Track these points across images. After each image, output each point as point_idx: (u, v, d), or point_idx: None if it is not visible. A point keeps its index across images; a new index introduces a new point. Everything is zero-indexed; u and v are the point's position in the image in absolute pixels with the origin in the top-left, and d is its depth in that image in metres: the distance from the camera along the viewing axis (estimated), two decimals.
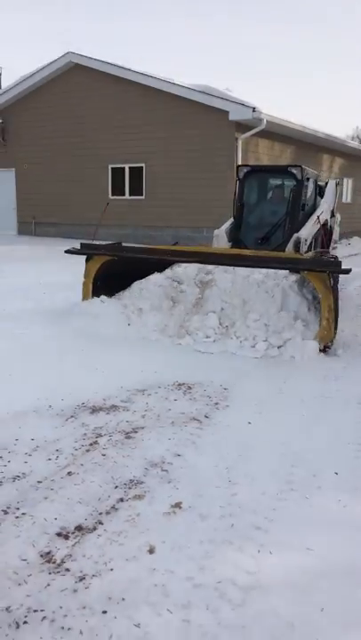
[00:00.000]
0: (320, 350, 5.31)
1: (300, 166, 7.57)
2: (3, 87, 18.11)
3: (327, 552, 2.43)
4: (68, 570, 2.21)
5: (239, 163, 12.30)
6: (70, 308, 6.43)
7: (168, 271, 6.45)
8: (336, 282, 5.48)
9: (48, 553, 2.31)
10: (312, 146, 16.84)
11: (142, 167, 14.98)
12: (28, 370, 4.63)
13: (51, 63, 15.71)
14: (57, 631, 1.92)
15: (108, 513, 2.61)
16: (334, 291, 5.39)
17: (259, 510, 2.69)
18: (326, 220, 8.40)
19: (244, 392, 4.35)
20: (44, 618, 1.98)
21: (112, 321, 5.92)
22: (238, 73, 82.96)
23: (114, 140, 15.14)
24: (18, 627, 1.93)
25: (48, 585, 2.13)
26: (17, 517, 2.54)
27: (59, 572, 2.20)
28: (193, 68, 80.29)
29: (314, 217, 7.45)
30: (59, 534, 2.44)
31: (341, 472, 3.11)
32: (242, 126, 13.24)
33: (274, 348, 5.35)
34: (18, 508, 2.61)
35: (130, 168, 15.21)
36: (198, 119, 13.64)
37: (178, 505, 2.70)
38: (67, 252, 6.46)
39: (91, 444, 3.30)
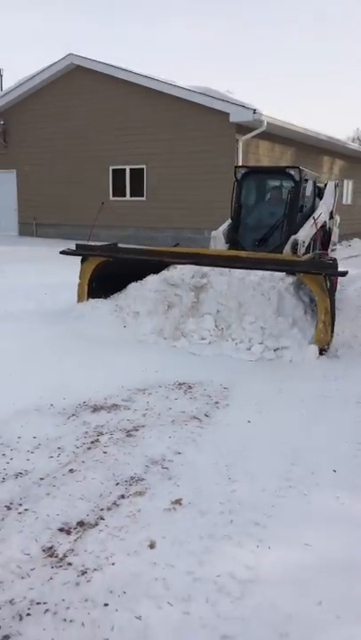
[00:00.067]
0: (316, 352, 5.25)
1: (297, 167, 7.53)
2: (4, 89, 18.19)
3: (325, 548, 2.47)
4: (70, 564, 2.25)
5: (240, 164, 12.34)
6: (70, 309, 6.44)
7: (165, 272, 6.41)
8: (332, 284, 5.46)
9: (50, 547, 2.35)
10: (313, 147, 16.88)
11: (143, 169, 15.04)
12: (29, 369, 4.66)
13: (52, 65, 15.77)
14: (59, 623, 1.96)
15: (109, 509, 2.65)
16: (331, 293, 5.36)
17: (258, 507, 2.73)
18: (325, 221, 8.34)
19: (244, 391, 4.39)
20: (47, 610, 2.02)
21: (108, 323, 5.88)
22: (238, 74, 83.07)
23: (115, 142, 15.19)
24: (21, 619, 1.97)
25: (51, 578, 2.17)
26: (20, 513, 2.58)
27: (61, 566, 2.24)
28: (193, 69, 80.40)
29: (312, 218, 7.40)
30: (61, 529, 2.48)
31: (340, 470, 3.15)
32: (243, 128, 13.29)
33: (270, 351, 5.31)
34: (20, 504, 2.65)
35: (131, 169, 15.26)
36: (199, 121, 13.69)
37: (178, 501, 2.74)
38: (62, 252, 6.43)
39: (92, 442, 3.34)
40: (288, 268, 5.65)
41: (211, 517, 2.62)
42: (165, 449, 3.30)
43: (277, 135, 14.68)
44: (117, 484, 2.88)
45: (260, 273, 6.12)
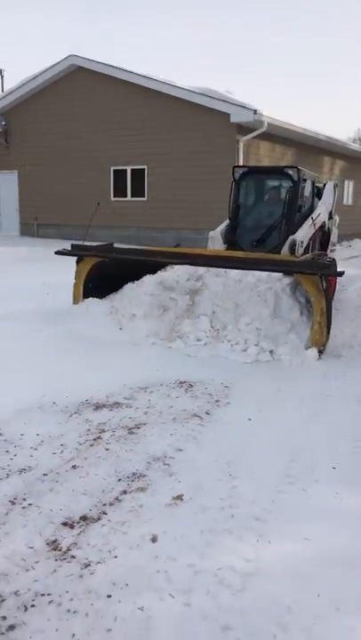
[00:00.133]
0: (312, 354, 5.17)
1: (296, 167, 7.48)
2: (6, 90, 18.25)
3: (325, 542, 2.51)
4: (73, 557, 2.30)
5: (239, 164, 12.37)
6: (68, 310, 6.40)
7: (161, 273, 6.37)
8: (330, 285, 5.40)
9: (54, 541, 2.39)
10: (313, 148, 16.93)
11: (144, 169, 15.09)
12: (30, 369, 4.68)
13: (53, 66, 15.83)
14: (63, 613, 2.00)
15: (111, 504, 2.69)
16: (327, 294, 5.32)
17: (258, 502, 2.77)
18: (324, 221, 8.29)
19: (245, 390, 4.43)
20: (51, 601, 2.06)
21: (103, 325, 5.85)
22: (239, 74, 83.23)
23: (116, 142, 15.25)
24: (26, 609, 2.02)
25: (54, 571, 2.21)
26: (24, 508, 2.62)
27: (65, 558, 2.29)
28: (193, 70, 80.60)
29: (310, 219, 7.35)
30: (64, 524, 2.52)
31: (339, 467, 3.19)
32: (243, 128, 13.34)
33: (265, 353, 5.26)
34: (24, 499, 2.69)
35: (132, 170, 15.32)
36: (200, 121, 13.74)
37: (179, 497, 2.78)
38: (57, 253, 6.38)
39: (94, 439, 3.39)
40: (283, 268, 5.61)
41: (211, 512, 2.66)
42: (167, 446, 3.34)
43: (278, 136, 14.73)
44: (120, 480, 2.93)
45: (256, 274, 6.09)
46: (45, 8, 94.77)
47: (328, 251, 8.58)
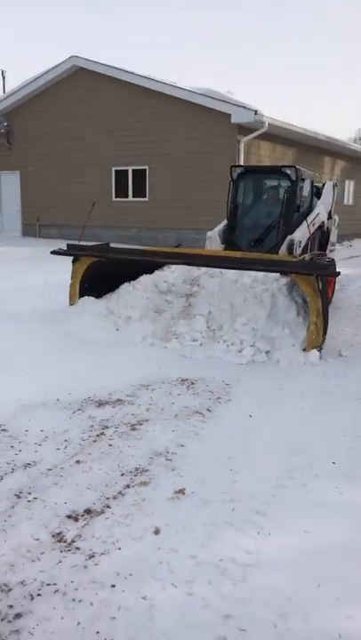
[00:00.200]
0: (308, 354, 5.17)
1: (294, 166, 7.42)
2: (8, 91, 18.32)
3: (324, 534, 2.55)
4: (78, 548, 2.35)
5: (239, 164, 12.42)
6: (65, 310, 6.37)
7: (158, 272, 6.35)
8: (326, 285, 5.32)
9: (59, 533, 2.45)
10: (314, 148, 16.97)
11: (145, 169, 15.14)
12: (32, 367, 4.73)
13: (55, 67, 15.89)
14: (69, 602, 2.05)
15: (115, 498, 2.74)
16: (323, 294, 5.25)
17: (259, 496, 2.82)
18: (323, 221, 8.22)
19: (246, 387, 4.48)
20: (57, 591, 2.11)
21: (100, 326, 5.82)
22: (239, 74, 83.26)
23: (117, 143, 15.30)
24: (32, 598, 2.07)
25: (60, 562, 2.26)
26: (29, 501, 2.68)
27: (69, 550, 2.34)
28: (194, 69, 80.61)
29: (309, 218, 7.29)
30: (69, 516, 2.57)
31: (339, 462, 3.24)
32: (244, 129, 13.39)
33: (261, 354, 5.22)
34: (30, 493, 2.74)
35: (133, 170, 15.37)
36: (201, 122, 13.79)
37: (181, 491, 2.83)
38: (53, 253, 6.34)
39: (98, 435, 3.44)
40: (279, 268, 5.55)
41: (213, 506, 2.71)
42: (169, 442, 3.39)
43: (279, 136, 14.77)
44: (123, 474, 2.98)
45: (252, 274, 6.06)
46: (45, 9, 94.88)
47: (327, 251, 8.50)
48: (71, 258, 6.32)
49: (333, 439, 3.55)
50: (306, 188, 7.91)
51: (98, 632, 1.93)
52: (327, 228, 8.56)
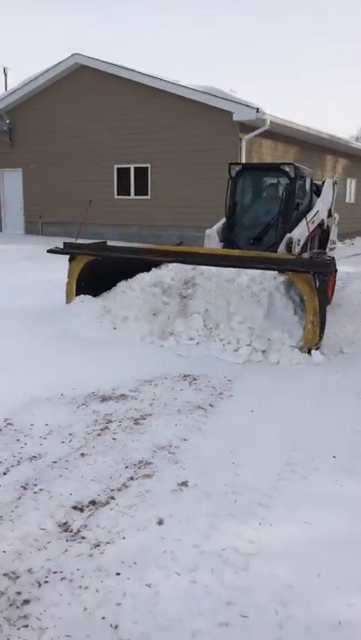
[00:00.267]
0: (305, 354, 5.13)
1: (292, 164, 7.37)
2: (10, 88, 18.34)
3: (324, 525, 2.61)
4: (83, 538, 2.40)
5: (240, 162, 12.44)
6: (62, 309, 6.34)
7: (155, 271, 6.33)
8: (323, 283, 5.26)
9: (65, 523, 2.50)
10: (316, 146, 16.99)
11: (147, 167, 15.18)
12: (35, 364, 4.75)
13: (57, 64, 15.92)
14: (75, 589, 2.11)
15: (119, 489, 2.80)
16: (320, 292, 5.20)
17: (260, 488, 2.87)
18: (323, 219, 8.19)
19: (248, 383, 4.53)
20: (63, 578, 2.16)
21: (97, 325, 5.81)
22: (239, 73, 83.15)
23: (119, 141, 15.34)
24: (40, 585, 2.12)
25: (66, 550, 2.32)
26: (35, 493, 2.73)
27: (75, 539, 2.39)
28: (194, 69, 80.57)
29: (308, 216, 7.23)
30: (74, 507, 2.62)
31: (339, 456, 3.29)
32: (246, 127, 13.42)
33: (258, 353, 5.18)
34: (36, 485, 2.80)
35: (135, 168, 15.40)
36: (203, 120, 13.82)
37: (185, 483, 2.88)
38: (49, 251, 6.34)
39: (102, 429, 3.49)
40: (275, 266, 5.48)
41: (215, 498, 2.77)
42: (172, 436, 3.44)
43: (280, 134, 14.79)
44: (127, 467, 3.03)
45: (250, 273, 6.02)
46: (46, 8, 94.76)
47: (327, 249, 8.44)
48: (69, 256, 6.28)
49: (334, 434, 3.60)
50: (305, 186, 7.86)
51: (104, 617, 1.98)
52: (327, 226, 8.49)
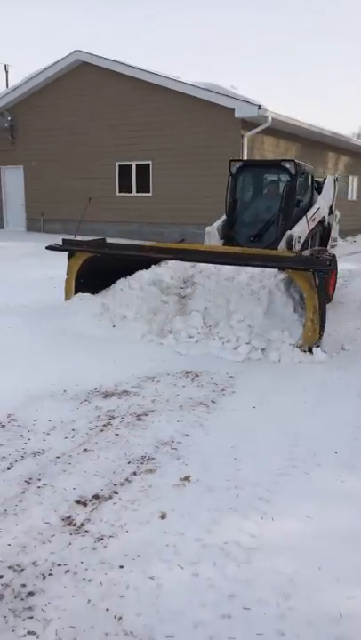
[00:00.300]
0: (304, 352, 5.13)
1: (293, 160, 7.33)
2: (11, 85, 18.33)
3: (326, 520, 2.63)
4: (87, 531, 2.43)
5: (241, 159, 12.43)
6: (61, 306, 6.33)
7: (154, 268, 6.32)
8: (323, 280, 5.22)
9: (69, 517, 2.53)
10: (318, 143, 16.97)
11: (149, 164, 15.18)
12: (37, 360, 4.76)
13: (58, 61, 15.91)
14: (79, 582, 2.14)
15: (122, 484, 2.82)
16: (320, 290, 5.17)
17: (262, 484, 2.89)
18: (324, 216, 8.15)
19: (249, 380, 4.55)
20: (67, 571, 2.19)
21: (96, 323, 5.80)
22: (240, 70, 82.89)
23: (121, 138, 15.34)
24: (44, 578, 2.15)
25: (70, 544, 2.35)
26: (39, 487, 2.76)
27: (79, 533, 2.42)
28: (193, 66, 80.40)
29: (309, 213, 7.19)
30: (78, 502, 2.65)
31: (341, 451, 3.31)
32: (247, 124, 13.41)
33: (257, 351, 5.16)
34: (39, 479, 2.83)
35: (137, 165, 15.41)
36: (204, 117, 13.81)
37: (187, 478, 2.91)
38: (48, 248, 6.33)
39: (104, 425, 3.52)
40: (275, 264, 5.46)
41: (217, 492, 2.79)
42: (174, 431, 3.47)
43: (282, 131, 14.78)
44: (129, 462, 3.06)
45: (249, 271, 6.00)
46: (47, 5, 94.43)
47: (328, 246, 8.38)
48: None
49: (335, 430, 3.62)
50: (306, 183, 7.82)
51: (107, 609, 2.01)
52: (328, 224, 8.44)
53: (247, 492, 2.81)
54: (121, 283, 6.27)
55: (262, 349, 5.22)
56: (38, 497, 2.68)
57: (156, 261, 6.45)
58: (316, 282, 5.10)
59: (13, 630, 1.91)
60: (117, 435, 3.39)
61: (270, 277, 5.96)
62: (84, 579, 2.15)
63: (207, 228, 7.56)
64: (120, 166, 15.71)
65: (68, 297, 6.29)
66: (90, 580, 2.14)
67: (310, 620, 2.00)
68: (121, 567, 2.22)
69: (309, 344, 5.19)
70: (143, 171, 15.36)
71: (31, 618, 1.96)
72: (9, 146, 17.45)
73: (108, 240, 6.56)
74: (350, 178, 20.29)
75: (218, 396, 4.14)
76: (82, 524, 2.48)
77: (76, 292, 6.24)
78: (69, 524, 2.47)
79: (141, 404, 3.90)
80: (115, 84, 15.13)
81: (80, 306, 6.07)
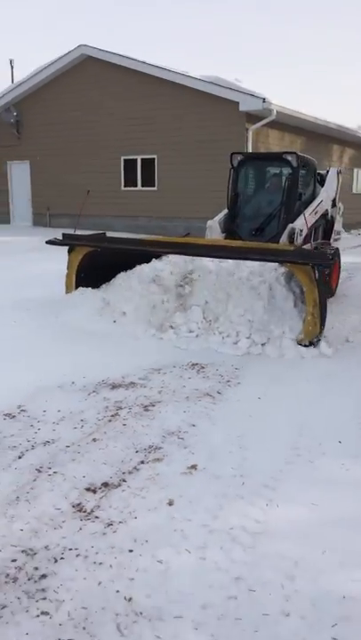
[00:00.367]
0: (305, 346, 5.10)
1: (294, 153, 7.24)
2: (16, 81, 18.35)
3: (330, 506, 2.69)
4: (97, 517, 2.50)
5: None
6: (61, 300, 6.30)
7: (155, 262, 6.31)
8: (328, 274, 5.18)
9: (79, 504, 2.60)
10: (323, 136, 16.92)
11: (154, 159, 15.19)
12: (44, 353, 4.82)
13: (63, 56, 15.92)
14: (90, 565, 2.20)
15: (130, 472, 2.89)
16: (320, 284, 5.11)
17: (267, 472, 2.95)
18: (327, 209, 8.04)
19: (254, 372, 4.60)
20: (79, 555, 2.26)
21: (98, 319, 5.80)
22: (243, 63, 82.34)
23: (126, 132, 15.35)
24: (56, 561, 2.22)
25: (80, 529, 2.41)
26: (49, 475, 2.83)
27: (89, 519, 2.49)
28: (193, 61, 79.87)
29: (311, 206, 7.14)
30: (87, 489, 2.72)
31: (345, 441, 3.36)
32: (252, 117, 13.39)
33: (257, 346, 5.14)
34: (50, 468, 2.90)
35: (142, 159, 15.43)
36: (209, 110, 13.80)
37: (194, 466, 2.97)
38: (48, 242, 6.32)
39: (112, 416, 3.58)
40: (274, 257, 5.36)
41: (224, 480, 2.85)
42: (181, 422, 3.53)
43: (287, 124, 14.74)
44: (137, 451, 3.12)
45: (250, 265, 5.98)
46: (45, 3, 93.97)
47: (331, 240, 8.31)
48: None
49: (340, 420, 3.67)
50: (308, 175, 7.74)
51: (118, 591, 2.08)
52: (331, 217, 8.33)
53: (253, 479, 2.87)
54: (121, 277, 6.28)
55: (263, 344, 5.20)
56: (49, 484, 2.75)
57: (157, 255, 6.44)
58: (316, 275, 5.06)
59: (27, 611, 1.98)
60: (125, 425, 3.45)
61: (271, 271, 5.93)
62: (95, 562, 2.22)
63: (209, 222, 7.51)
64: (125, 160, 15.73)
65: (68, 291, 6.30)
66: (100, 564, 2.21)
67: (315, 601, 2.06)
68: (130, 551, 2.29)
69: (310, 338, 5.17)
70: (148, 165, 15.37)
71: (44, 599, 2.03)
72: (15, 141, 17.50)
73: (112, 234, 6.58)
74: (355, 171, 20.21)
75: (223, 388, 4.20)
76: (92, 511, 2.55)
77: (77, 287, 6.25)
78: (80, 511, 2.54)
79: (148, 395, 3.96)
80: (120, 78, 15.13)
81: (81, 300, 6.08)
